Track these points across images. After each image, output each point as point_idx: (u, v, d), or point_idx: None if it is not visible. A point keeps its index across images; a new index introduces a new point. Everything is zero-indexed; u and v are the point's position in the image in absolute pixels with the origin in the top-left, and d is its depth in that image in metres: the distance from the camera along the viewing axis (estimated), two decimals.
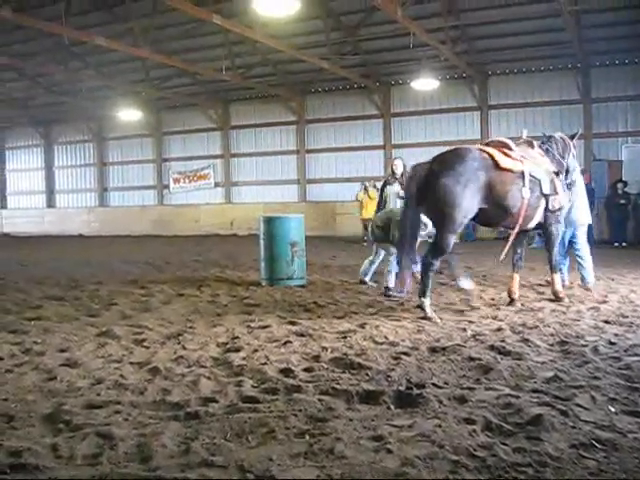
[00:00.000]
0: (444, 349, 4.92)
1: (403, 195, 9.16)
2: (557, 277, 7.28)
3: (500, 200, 6.37)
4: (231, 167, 24.33)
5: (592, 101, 18.22)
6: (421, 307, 6.37)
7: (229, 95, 23.71)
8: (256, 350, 5.09)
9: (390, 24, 15.12)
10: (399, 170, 9.62)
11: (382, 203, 9.75)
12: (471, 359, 4.59)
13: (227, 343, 5.42)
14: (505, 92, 19.48)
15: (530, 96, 19.09)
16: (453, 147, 6.89)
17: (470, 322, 6.13)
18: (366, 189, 16.99)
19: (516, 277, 7.15)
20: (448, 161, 6.26)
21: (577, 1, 13.99)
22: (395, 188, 9.47)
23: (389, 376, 4.19)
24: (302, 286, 8.85)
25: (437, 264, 6.54)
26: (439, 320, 6.14)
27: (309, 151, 22.67)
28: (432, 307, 6.44)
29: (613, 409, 3.50)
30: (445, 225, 6.25)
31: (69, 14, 14.66)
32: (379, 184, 16.58)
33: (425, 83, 17.52)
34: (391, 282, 8.04)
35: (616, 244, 15.46)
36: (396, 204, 9.33)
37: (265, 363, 4.66)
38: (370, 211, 16.64)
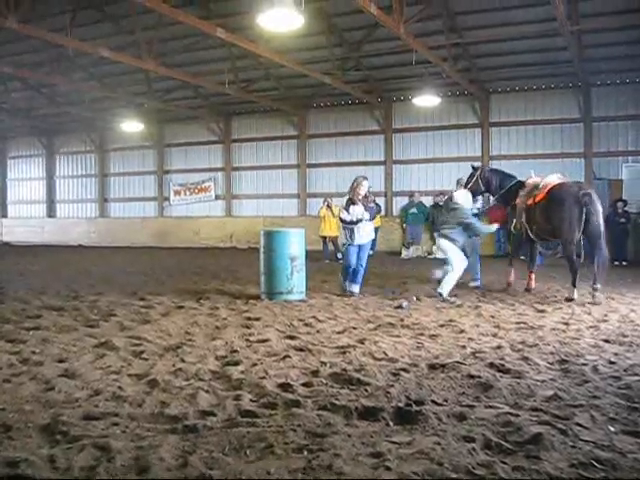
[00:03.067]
0: (443, 366, 4.91)
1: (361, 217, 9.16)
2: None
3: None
4: (232, 180, 24.37)
5: (593, 120, 18.30)
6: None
7: (231, 109, 23.80)
8: (255, 364, 5.08)
9: (393, 41, 15.20)
10: (363, 191, 9.50)
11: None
12: (470, 376, 4.57)
13: (226, 356, 5.41)
14: (506, 110, 19.57)
15: (531, 114, 19.18)
16: (586, 187, 9.26)
17: (470, 339, 6.12)
18: (329, 205, 16.41)
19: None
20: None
21: (578, 21, 14.11)
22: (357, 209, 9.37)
23: (388, 392, 4.18)
24: (302, 301, 8.83)
25: None
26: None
27: (310, 166, 22.72)
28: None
29: (613, 429, 3.49)
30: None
31: (74, 25, 14.74)
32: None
33: (427, 100, 17.60)
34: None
35: (616, 263, 15.41)
36: None
37: (264, 377, 4.64)
38: (332, 228, 16.40)
